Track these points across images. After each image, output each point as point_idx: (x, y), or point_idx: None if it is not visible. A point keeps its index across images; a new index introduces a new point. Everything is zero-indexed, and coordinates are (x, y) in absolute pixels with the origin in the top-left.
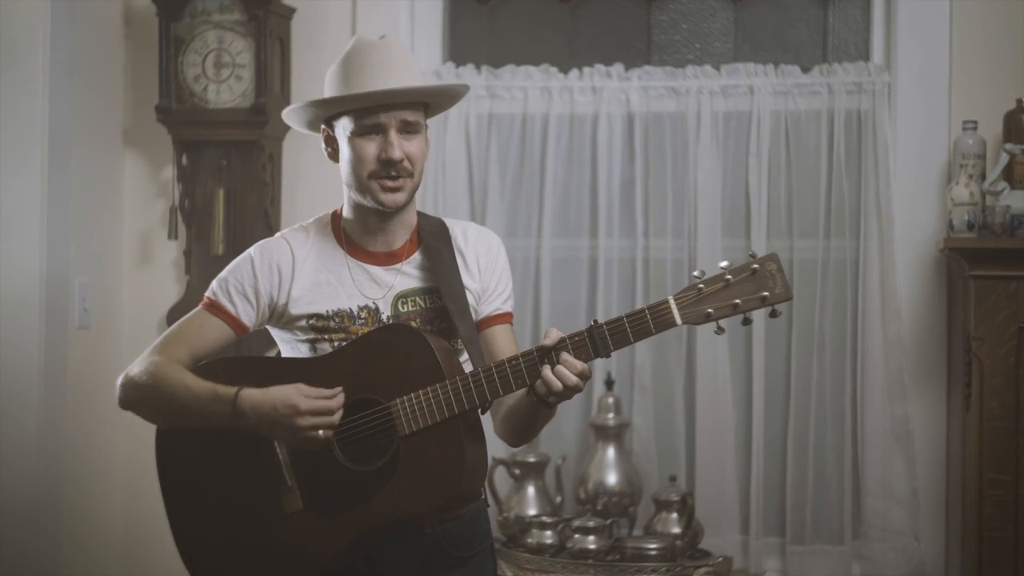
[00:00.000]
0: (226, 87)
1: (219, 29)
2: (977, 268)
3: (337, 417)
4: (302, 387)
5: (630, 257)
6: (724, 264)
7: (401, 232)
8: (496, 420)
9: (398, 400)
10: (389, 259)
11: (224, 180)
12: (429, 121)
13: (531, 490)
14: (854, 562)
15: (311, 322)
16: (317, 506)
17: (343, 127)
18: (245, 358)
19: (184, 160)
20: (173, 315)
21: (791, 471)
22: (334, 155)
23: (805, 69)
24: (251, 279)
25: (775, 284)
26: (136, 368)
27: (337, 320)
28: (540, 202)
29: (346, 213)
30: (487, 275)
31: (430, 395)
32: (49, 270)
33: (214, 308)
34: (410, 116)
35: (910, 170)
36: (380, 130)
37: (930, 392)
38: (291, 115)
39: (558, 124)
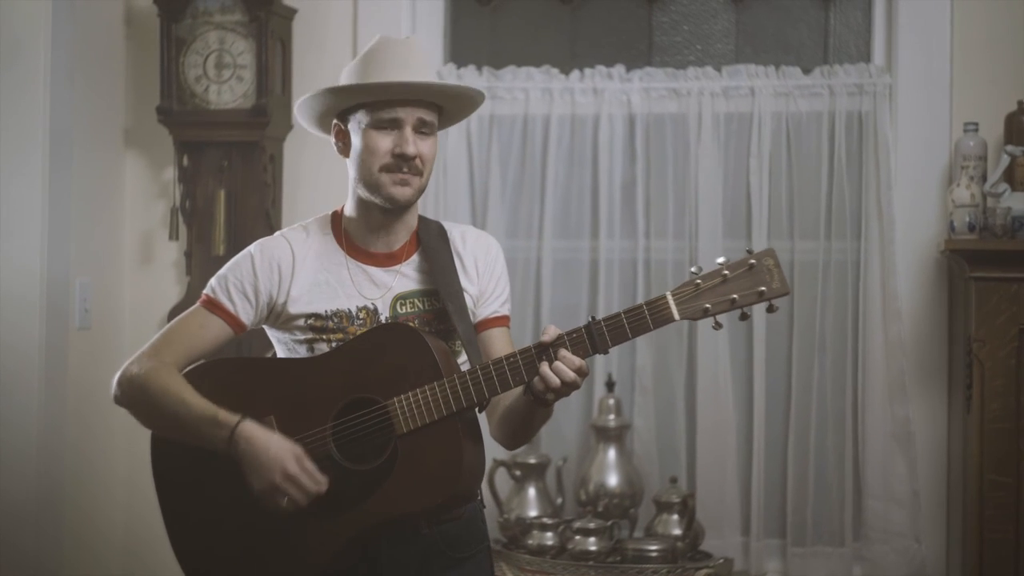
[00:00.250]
0: (227, 88)
1: (220, 30)
2: (978, 270)
3: (307, 501)
4: (300, 452)
5: (631, 258)
6: (721, 260)
7: (402, 233)
8: (492, 422)
9: (396, 399)
10: (388, 260)
11: (225, 181)
12: None
13: (532, 491)
14: (855, 564)
15: (309, 322)
16: (314, 506)
17: (358, 121)
18: (243, 360)
19: (185, 161)
20: (174, 316)
21: (792, 473)
22: (344, 150)
23: (806, 71)
24: (251, 277)
25: (772, 279)
26: (134, 368)
27: (335, 320)
28: (541, 203)
29: (349, 212)
30: (485, 278)
31: (428, 393)
32: (50, 270)
33: (213, 306)
34: (427, 116)
35: (911, 172)
36: (397, 125)
37: (931, 394)
38: (304, 107)
39: (559, 125)
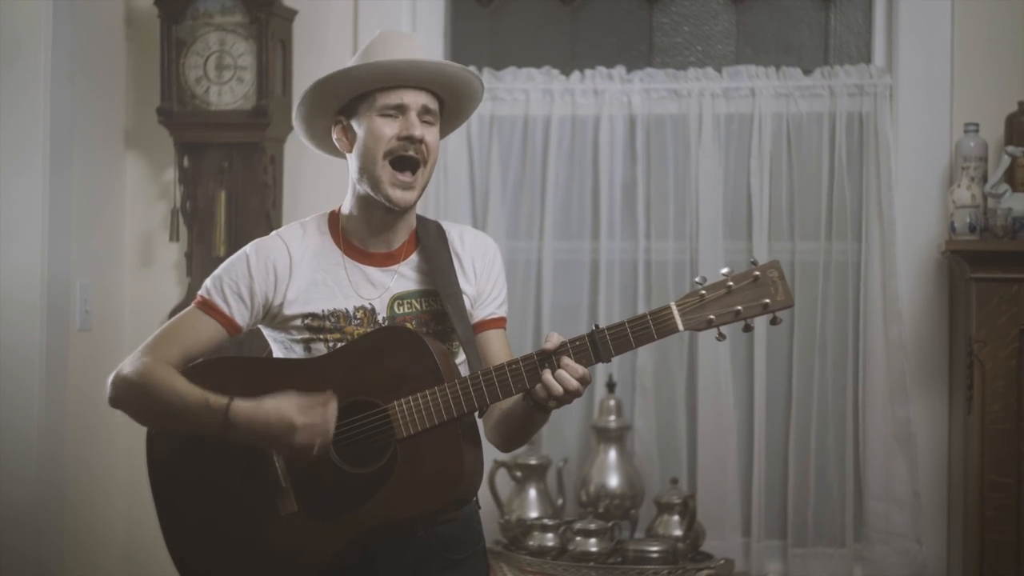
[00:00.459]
0: (228, 89)
1: (221, 31)
2: (979, 271)
3: (332, 429)
4: (294, 397)
5: (631, 259)
6: (726, 271)
7: (401, 232)
8: (488, 424)
9: (396, 403)
10: (386, 260)
11: (226, 182)
12: None
13: (532, 492)
14: (856, 564)
15: (306, 322)
16: (313, 509)
17: (362, 111)
18: (240, 359)
19: (185, 162)
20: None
21: (793, 473)
22: (347, 145)
23: (807, 71)
24: (246, 279)
25: (776, 291)
26: (128, 368)
27: (333, 320)
28: (542, 204)
29: (348, 210)
30: (483, 279)
31: (428, 398)
32: (50, 272)
33: (207, 307)
34: (431, 104)
35: (912, 172)
36: (402, 111)
37: (932, 394)
38: (305, 101)
39: (560, 126)
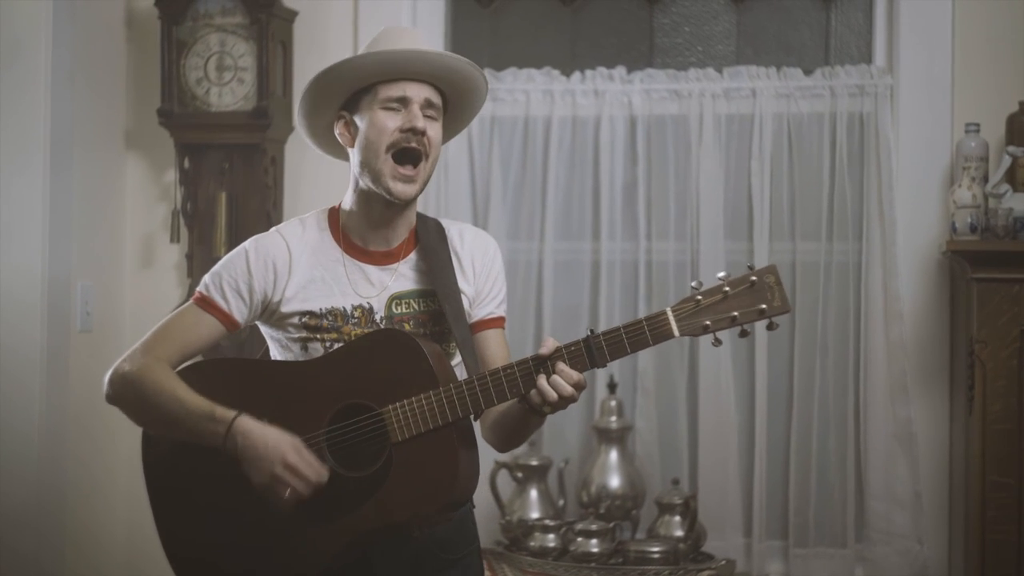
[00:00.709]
0: (228, 90)
1: (221, 32)
2: (980, 271)
3: (309, 491)
4: (299, 443)
5: (632, 260)
6: (722, 275)
7: (401, 229)
8: (484, 425)
9: (391, 407)
10: (385, 259)
11: (226, 183)
12: None
13: (534, 493)
14: (857, 565)
15: (304, 320)
16: (308, 511)
17: (365, 105)
18: (238, 360)
19: (186, 163)
20: None
21: (794, 474)
22: (350, 140)
23: (807, 72)
24: (245, 275)
25: (773, 297)
26: (126, 366)
27: (330, 319)
28: (542, 205)
29: (348, 205)
30: (482, 279)
31: (423, 402)
32: (51, 273)
33: (206, 304)
34: (434, 97)
35: (912, 173)
36: (405, 103)
37: (933, 395)
38: (308, 95)
39: (560, 127)
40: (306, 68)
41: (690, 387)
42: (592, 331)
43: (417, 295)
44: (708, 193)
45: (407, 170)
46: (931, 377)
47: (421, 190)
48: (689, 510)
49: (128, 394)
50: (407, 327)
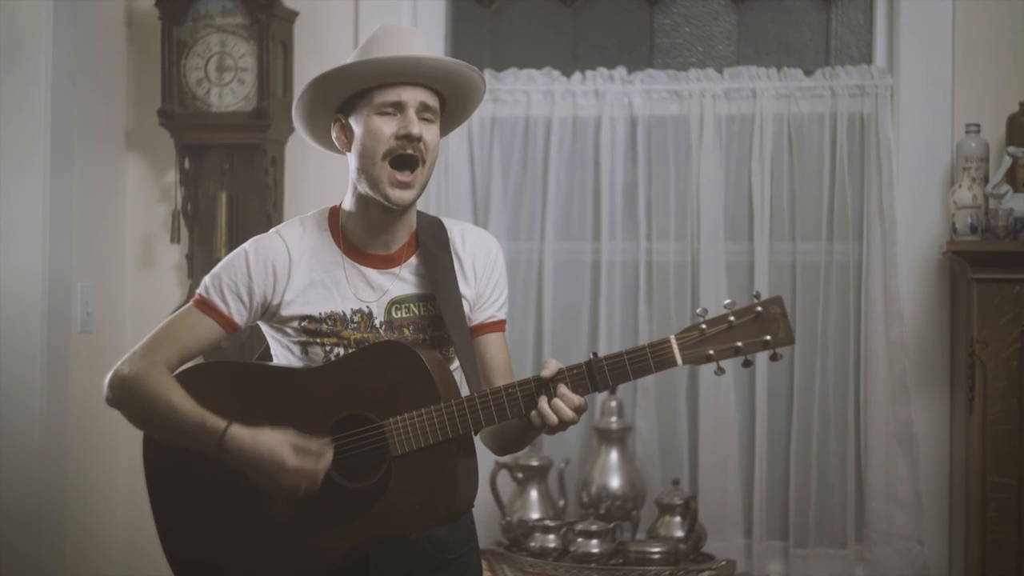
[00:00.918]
0: (228, 91)
1: (222, 33)
2: (980, 271)
3: (320, 479)
4: (294, 438)
5: (633, 260)
6: (727, 303)
7: (401, 233)
8: (485, 430)
9: (391, 420)
10: (386, 262)
11: (227, 184)
12: None
13: (534, 494)
14: (857, 565)
15: (303, 324)
16: (307, 518)
17: (360, 110)
18: (238, 364)
19: (186, 164)
20: None
21: (794, 474)
22: (346, 143)
23: (808, 72)
24: (245, 278)
25: (778, 328)
26: (125, 369)
27: (330, 323)
28: (543, 205)
29: (348, 207)
30: (483, 281)
31: (424, 417)
32: (51, 274)
33: (206, 306)
34: (430, 100)
35: (913, 173)
36: (400, 108)
37: (933, 395)
38: (304, 100)
39: (561, 127)
40: (306, 69)
41: (690, 387)
42: (595, 354)
43: (417, 299)
44: (708, 193)
45: (404, 176)
46: (931, 377)
47: (419, 195)
48: (689, 510)
49: (126, 398)
50: (407, 332)
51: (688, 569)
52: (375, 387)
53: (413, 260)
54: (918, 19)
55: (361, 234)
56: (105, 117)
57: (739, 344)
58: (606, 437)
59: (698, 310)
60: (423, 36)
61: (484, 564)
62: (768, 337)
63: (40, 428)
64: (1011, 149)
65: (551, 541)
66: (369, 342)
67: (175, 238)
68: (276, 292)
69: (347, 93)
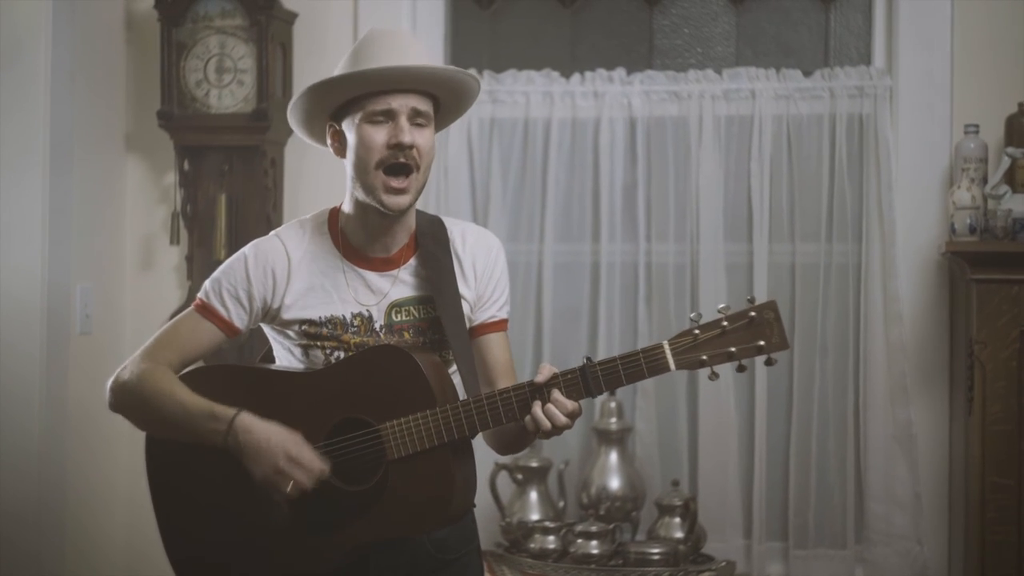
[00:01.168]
0: (228, 92)
1: (221, 34)
2: (979, 272)
3: (311, 483)
4: (299, 438)
5: (632, 261)
6: (722, 307)
7: (401, 235)
8: (485, 432)
9: (388, 424)
10: (385, 265)
11: (226, 185)
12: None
13: (534, 495)
14: (857, 566)
15: (303, 328)
16: (305, 523)
17: (351, 118)
18: (239, 367)
19: (186, 165)
20: None
21: (794, 475)
22: (340, 150)
23: (807, 73)
24: (244, 282)
25: (772, 333)
26: (127, 373)
27: (330, 327)
28: (542, 207)
29: (347, 209)
30: (484, 282)
31: (420, 422)
32: (51, 275)
33: (206, 311)
34: (421, 105)
35: (912, 174)
36: (391, 116)
37: (932, 396)
38: (296, 108)
39: (560, 129)
40: (306, 70)
41: (690, 389)
42: (589, 359)
43: (416, 302)
44: (708, 194)
45: (399, 182)
46: (931, 378)
47: (415, 199)
48: (689, 512)
49: (130, 401)
50: (407, 335)
51: (688, 570)
52: (373, 391)
53: (413, 262)
54: (917, 20)
55: (360, 237)
56: (104, 119)
57: (733, 349)
58: (606, 438)
59: (692, 315)
60: (413, 39)
61: (484, 565)
62: (762, 342)
63: (40, 429)
64: (1010, 150)
65: (551, 542)
66: (369, 346)
67: (174, 240)
68: (276, 296)
69: (338, 101)
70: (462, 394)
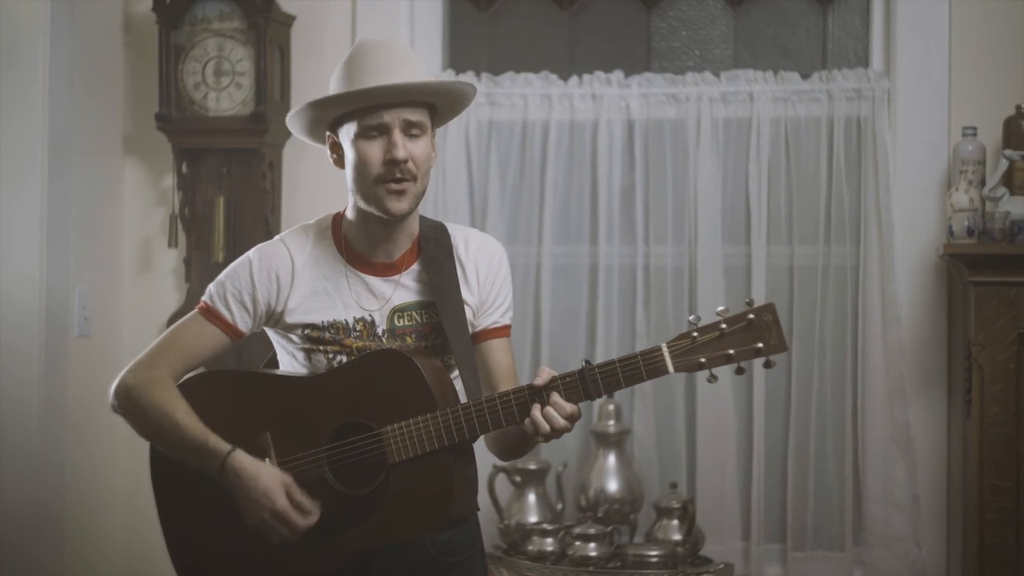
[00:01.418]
0: (226, 95)
1: (219, 37)
2: (977, 274)
3: (297, 536)
4: (290, 485)
5: (630, 264)
6: (720, 310)
7: (403, 240)
8: (487, 437)
9: (389, 427)
10: (388, 270)
11: (224, 188)
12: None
13: (532, 497)
14: (855, 568)
15: (306, 332)
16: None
17: (347, 131)
18: (239, 373)
19: (184, 168)
20: (173, 323)
21: (792, 477)
22: (339, 161)
23: (805, 76)
24: (248, 286)
25: (770, 335)
26: (130, 379)
27: (332, 332)
28: (540, 209)
29: (349, 215)
30: (486, 287)
31: (420, 426)
32: (49, 278)
33: (210, 315)
34: (414, 116)
35: (910, 176)
36: (384, 131)
37: (931, 398)
38: (294, 120)
39: (558, 131)
40: (304, 73)
41: (688, 391)
42: (588, 362)
43: (419, 307)
44: (706, 197)
45: (399, 186)
46: (929, 380)
47: (416, 204)
48: (687, 514)
49: (131, 409)
50: (409, 340)
51: (686, 572)
52: (373, 395)
53: (415, 267)
54: (915, 22)
55: (363, 243)
56: (103, 121)
57: (731, 352)
58: (604, 441)
59: (690, 318)
60: (405, 49)
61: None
62: (760, 345)
63: (38, 432)
64: (1007, 152)
65: (549, 545)
66: (371, 350)
67: (173, 242)
68: (279, 300)
69: (334, 115)
70: (464, 399)
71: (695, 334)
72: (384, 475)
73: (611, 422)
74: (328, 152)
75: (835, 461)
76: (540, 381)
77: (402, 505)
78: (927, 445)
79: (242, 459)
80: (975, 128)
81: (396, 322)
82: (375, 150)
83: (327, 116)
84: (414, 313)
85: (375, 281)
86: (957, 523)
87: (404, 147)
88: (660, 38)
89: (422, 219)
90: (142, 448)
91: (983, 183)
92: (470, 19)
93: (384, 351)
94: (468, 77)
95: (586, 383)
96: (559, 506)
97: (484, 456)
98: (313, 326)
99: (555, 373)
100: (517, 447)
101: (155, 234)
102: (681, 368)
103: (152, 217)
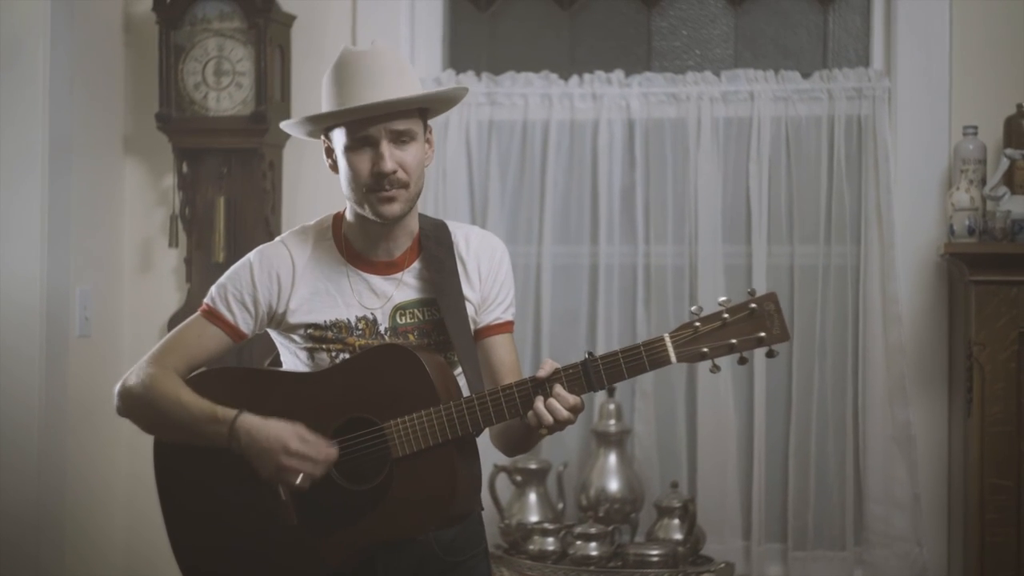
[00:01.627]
0: (226, 95)
1: (219, 37)
2: (978, 273)
3: (321, 470)
4: (301, 429)
5: (631, 263)
6: (722, 300)
7: (403, 240)
8: (492, 432)
9: (392, 422)
10: (389, 268)
11: (224, 188)
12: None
13: (533, 497)
14: (856, 568)
15: (308, 331)
16: (311, 522)
17: (338, 140)
18: (242, 370)
19: (184, 168)
20: (174, 323)
21: (793, 477)
22: (334, 167)
23: (805, 75)
24: (250, 288)
25: (773, 324)
26: (133, 378)
27: (334, 331)
28: (541, 209)
29: (349, 215)
30: (488, 284)
31: (424, 419)
32: (50, 278)
33: (212, 316)
34: (400, 125)
35: (911, 175)
36: (371, 143)
37: (931, 397)
38: (288, 128)
39: (558, 131)
40: (304, 72)
41: (689, 390)
42: (590, 354)
43: (420, 304)
44: (706, 196)
45: (389, 194)
46: (930, 380)
47: (409, 207)
48: (688, 513)
49: (137, 406)
50: (411, 337)
51: (687, 572)
52: (376, 390)
53: (416, 265)
54: (915, 21)
55: (363, 242)
56: (103, 121)
57: (733, 341)
58: (604, 440)
59: (693, 308)
60: (385, 57)
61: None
62: (763, 334)
63: (39, 432)
64: (1008, 151)
65: (550, 544)
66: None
67: (173, 242)
68: (281, 301)
69: (324, 127)
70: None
71: (697, 324)
72: (388, 470)
73: (612, 421)
74: (324, 157)
75: (836, 460)
76: (543, 373)
77: (406, 499)
78: (928, 444)
79: (251, 418)
80: (976, 127)
81: (398, 320)
82: (363, 161)
83: (320, 125)
84: (416, 311)
85: (376, 280)
86: (958, 522)
87: (392, 158)
88: (660, 37)
89: (422, 217)
90: (143, 448)
91: (984, 182)
92: (470, 19)
93: (386, 346)
94: (468, 77)
95: (589, 374)
96: (560, 505)
97: (485, 456)
98: (315, 326)
99: (558, 365)
100: (522, 441)
101: (155, 234)
102: (684, 358)
103: (152, 217)
